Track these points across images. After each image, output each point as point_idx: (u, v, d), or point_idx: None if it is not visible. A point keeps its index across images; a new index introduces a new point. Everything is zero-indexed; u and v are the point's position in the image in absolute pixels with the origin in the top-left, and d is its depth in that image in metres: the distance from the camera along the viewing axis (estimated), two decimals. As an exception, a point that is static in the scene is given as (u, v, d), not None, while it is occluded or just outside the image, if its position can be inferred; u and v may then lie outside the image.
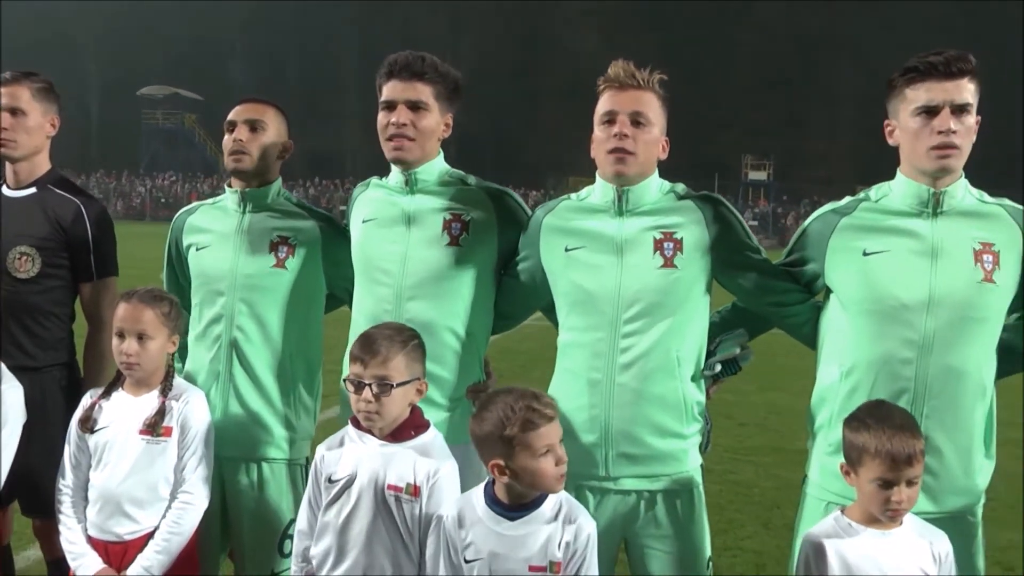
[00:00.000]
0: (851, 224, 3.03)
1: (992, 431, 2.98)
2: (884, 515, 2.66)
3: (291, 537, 3.45)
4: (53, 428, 3.58)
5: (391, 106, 3.31)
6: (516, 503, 2.72)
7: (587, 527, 2.73)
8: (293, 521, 3.45)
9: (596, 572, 2.74)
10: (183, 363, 3.65)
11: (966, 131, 2.88)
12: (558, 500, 2.75)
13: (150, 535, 3.25)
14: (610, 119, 3.08)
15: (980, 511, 3.02)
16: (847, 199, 3.12)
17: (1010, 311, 2.98)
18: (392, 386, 2.86)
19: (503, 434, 2.64)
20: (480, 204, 3.37)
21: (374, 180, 3.55)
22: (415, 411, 2.98)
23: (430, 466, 2.89)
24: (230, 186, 3.63)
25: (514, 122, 61.70)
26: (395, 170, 3.41)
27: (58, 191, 3.84)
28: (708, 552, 3.18)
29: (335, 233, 3.58)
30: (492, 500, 2.75)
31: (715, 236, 3.11)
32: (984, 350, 2.92)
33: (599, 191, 3.20)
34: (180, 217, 3.76)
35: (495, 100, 53.71)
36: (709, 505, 3.24)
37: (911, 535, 2.70)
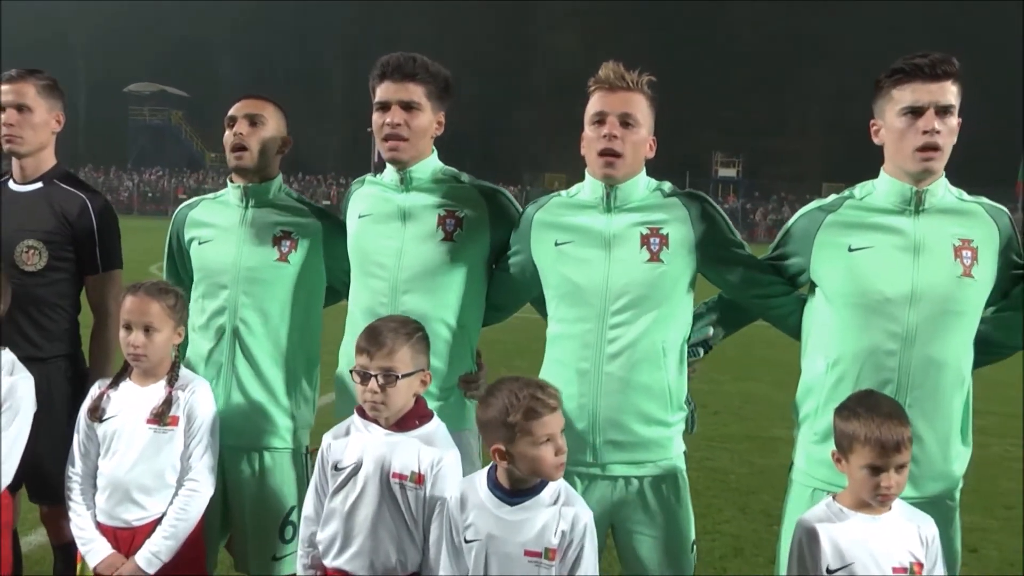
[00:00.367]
0: (837, 221, 3.06)
1: (969, 419, 3.03)
2: (874, 500, 2.69)
3: (291, 523, 3.48)
4: (59, 417, 3.57)
5: (385, 107, 3.32)
6: (517, 488, 2.74)
7: (584, 516, 2.74)
8: (293, 508, 3.48)
9: (593, 561, 2.75)
10: (183, 353, 3.64)
11: (949, 132, 2.91)
12: (557, 488, 2.76)
13: (157, 521, 3.25)
14: (600, 119, 3.10)
15: (958, 495, 3.06)
16: (832, 197, 3.16)
17: (987, 304, 3.03)
18: (397, 377, 2.88)
19: (506, 420, 2.65)
20: (473, 201, 3.39)
21: (369, 177, 3.56)
22: (419, 401, 2.99)
23: (434, 455, 2.91)
24: (231, 181, 3.61)
25: (493, 119, 61.66)
26: (390, 168, 3.42)
27: (64, 186, 3.81)
28: (692, 536, 3.22)
29: (335, 228, 3.58)
30: (494, 484, 2.77)
31: (700, 232, 3.14)
32: (963, 342, 2.96)
33: (588, 188, 3.22)
34: (181, 211, 3.74)
35: (476, 98, 53.65)
36: (687, 491, 3.28)
37: (900, 519, 2.73)
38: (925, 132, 2.88)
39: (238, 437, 3.47)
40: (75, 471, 3.33)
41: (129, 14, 73.97)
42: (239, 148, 3.50)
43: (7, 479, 3.30)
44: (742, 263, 3.21)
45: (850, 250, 3.00)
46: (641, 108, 3.11)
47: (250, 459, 3.50)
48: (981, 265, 2.94)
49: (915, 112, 2.90)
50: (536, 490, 2.74)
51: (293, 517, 3.47)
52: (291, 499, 3.50)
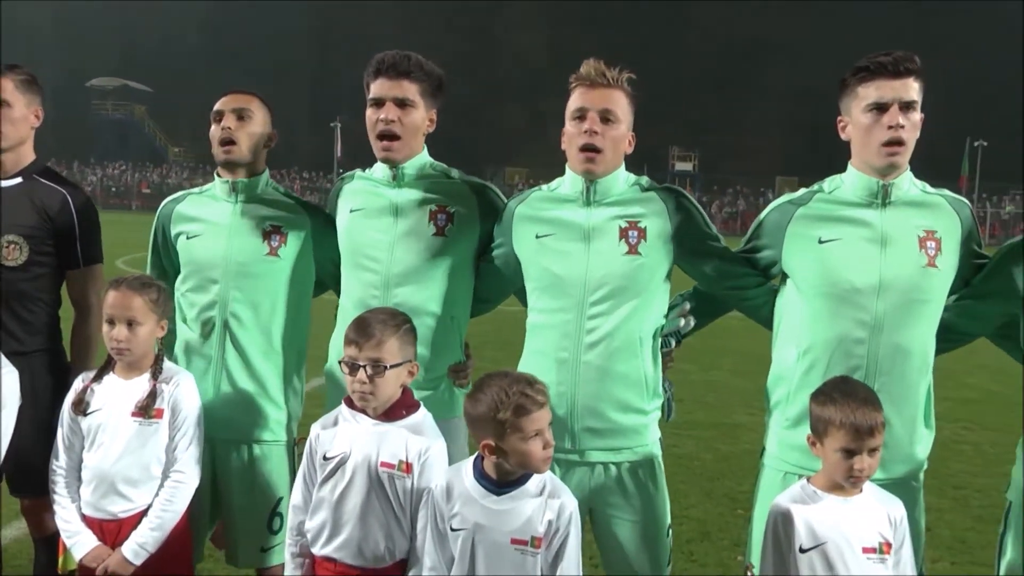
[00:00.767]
0: (807, 214, 3.11)
1: (931, 404, 3.09)
2: (847, 482, 2.75)
3: (280, 515, 3.47)
4: (41, 411, 3.53)
5: (379, 103, 3.32)
6: (503, 479, 2.75)
7: (569, 505, 2.77)
8: (282, 499, 3.46)
9: (577, 549, 2.78)
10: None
11: (912, 127, 2.97)
12: (543, 479, 2.78)
13: (143, 513, 3.22)
14: (581, 115, 3.12)
15: (922, 477, 3.12)
16: (802, 191, 3.20)
17: (949, 293, 3.09)
18: (386, 368, 2.88)
19: (496, 416, 2.66)
20: (463, 197, 3.40)
21: (358, 172, 3.56)
22: (406, 392, 2.99)
23: (421, 444, 2.92)
24: (218, 175, 3.57)
25: (456, 114, 61.47)
26: (382, 164, 3.42)
27: (44, 181, 3.75)
28: (668, 520, 3.25)
29: (323, 222, 3.57)
30: (480, 475, 2.78)
31: (677, 225, 3.18)
32: (928, 330, 3.02)
33: (568, 182, 3.24)
34: (167, 206, 3.69)
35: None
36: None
37: (870, 501, 2.79)
38: (890, 127, 2.93)
39: (228, 430, 3.45)
40: (59, 464, 3.29)
41: (91, 8, 72.73)
42: (227, 142, 3.46)
43: None
44: (717, 255, 3.25)
45: (820, 242, 3.05)
46: (621, 104, 3.14)
47: (239, 451, 3.48)
48: (944, 255, 3.00)
49: (880, 108, 2.95)
50: (522, 480, 2.75)
51: (281, 508, 3.45)
52: (280, 491, 3.49)
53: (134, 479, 3.22)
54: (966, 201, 3.15)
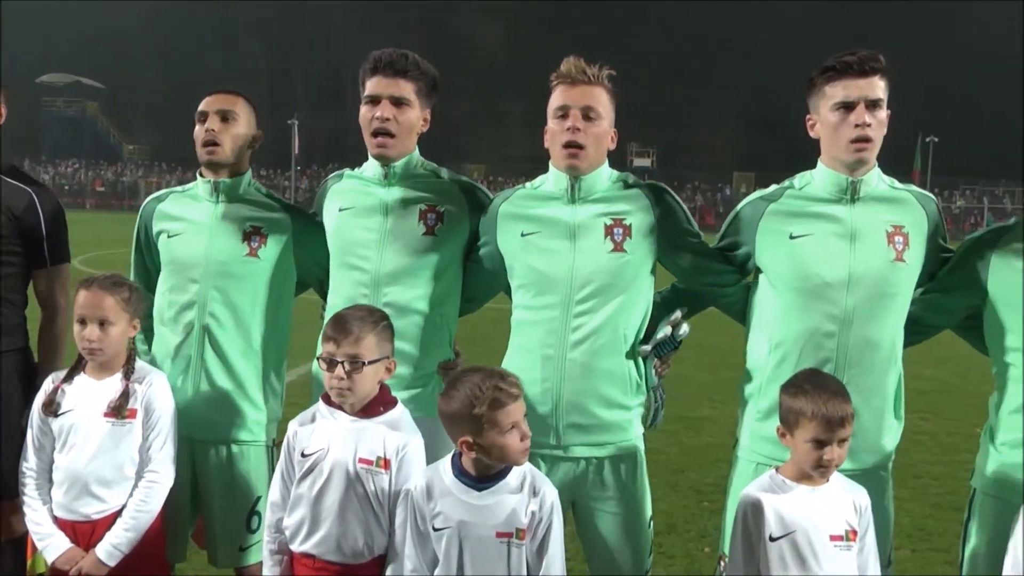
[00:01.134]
0: (778, 210, 3.17)
1: (900, 395, 3.16)
2: (816, 472, 2.80)
3: (258, 513, 3.46)
4: (9, 412, 3.48)
5: (375, 101, 3.33)
6: (483, 474, 2.77)
7: (550, 495, 2.80)
8: (260, 498, 3.45)
9: (560, 536, 2.81)
10: (148, 345, 3.59)
11: (879, 124, 3.03)
12: (523, 471, 2.81)
13: (117, 514, 3.19)
14: (563, 113, 3.15)
15: (891, 467, 3.20)
16: (773, 187, 3.25)
17: (916, 287, 3.16)
18: (364, 364, 2.89)
19: (472, 412, 2.67)
20: (453, 196, 3.42)
21: (347, 171, 3.55)
22: (383, 388, 3.00)
23: (399, 440, 2.93)
24: (201, 175, 3.56)
25: (416, 111, 61.07)
26: (373, 162, 3.43)
27: (10, 180, 3.68)
28: (649, 513, 3.29)
29: (305, 223, 3.56)
30: (459, 472, 2.79)
31: (660, 221, 3.21)
32: (896, 323, 3.09)
33: (552, 180, 3.26)
34: (149, 204, 3.68)
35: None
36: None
37: (837, 490, 2.85)
38: (857, 125, 2.99)
39: (206, 430, 3.44)
40: (29, 466, 3.25)
41: (39, 2, 71.36)
42: (210, 144, 3.45)
43: None
44: (697, 252, 3.29)
45: (791, 237, 3.10)
46: (603, 101, 3.16)
47: (218, 451, 3.46)
48: (912, 250, 3.07)
49: (846, 107, 3.01)
50: (503, 474, 2.77)
51: (260, 508, 3.44)
52: (258, 491, 3.48)
53: (107, 480, 3.19)
54: (932, 196, 3.22)
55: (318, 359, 2.98)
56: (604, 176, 3.24)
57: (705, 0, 65.88)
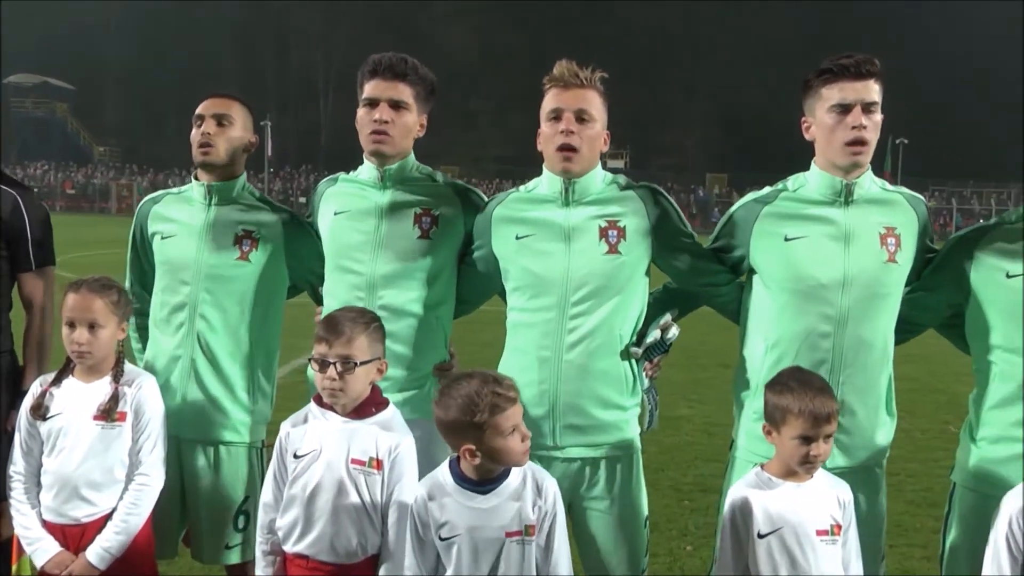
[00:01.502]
0: (773, 212, 3.19)
1: (892, 393, 3.20)
2: (802, 468, 2.84)
3: (244, 513, 3.46)
4: (-2, 417, 3.45)
5: (373, 103, 3.33)
6: (484, 478, 2.77)
7: (552, 488, 2.82)
8: (247, 499, 3.46)
9: (563, 525, 2.84)
10: (143, 344, 3.60)
11: (874, 127, 3.07)
12: (523, 469, 2.82)
13: (107, 517, 3.18)
14: (556, 116, 3.16)
15: (884, 463, 3.24)
16: (767, 189, 3.28)
17: (904, 285, 3.19)
18: (355, 364, 2.89)
19: (473, 420, 2.67)
20: (448, 200, 3.43)
21: (342, 175, 3.55)
22: (375, 389, 3.01)
23: (391, 440, 2.93)
24: (196, 178, 3.57)
25: (387, 113, 60.88)
26: (369, 166, 3.43)
27: (-6, 183, 3.68)
28: (645, 512, 3.30)
29: (297, 227, 3.56)
30: (460, 478, 2.79)
31: (654, 223, 3.22)
32: (888, 322, 3.13)
33: (546, 183, 3.27)
34: (145, 205, 3.69)
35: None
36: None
37: (822, 486, 2.89)
38: (853, 128, 3.02)
39: (195, 431, 3.44)
40: (17, 470, 3.23)
41: (5, 1, 70.38)
42: (205, 145, 3.45)
43: None
44: (691, 253, 3.31)
45: (786, 240, 3.13)
46: (595, 104, 3.18)
47: (206, 451, 3.46)
48: (903, 251, 3.12)
49: (843, 109, 3.04)
50: (504, 475, 2.78)
51: (246, 507, 3.45)
52: (245, 491, 3.48)
53: (97, 483, 3.17)
54: (922, 198, 3.26)
55: (310, 360, 2.98)
56: (598, 178, 3.26)
57: (673, 1, 66.17)
